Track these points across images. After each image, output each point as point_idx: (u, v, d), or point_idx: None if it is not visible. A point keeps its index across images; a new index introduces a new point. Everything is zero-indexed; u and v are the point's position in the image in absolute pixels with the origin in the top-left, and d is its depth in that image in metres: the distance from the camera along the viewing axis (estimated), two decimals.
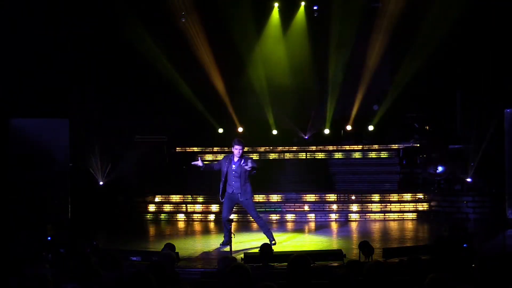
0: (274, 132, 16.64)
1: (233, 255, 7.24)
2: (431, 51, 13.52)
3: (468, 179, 12.36)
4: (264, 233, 9.08)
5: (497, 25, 12.18)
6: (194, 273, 7.21)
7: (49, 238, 8.51)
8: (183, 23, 15.31)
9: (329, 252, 7.97)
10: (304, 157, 15.44)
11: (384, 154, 14.99)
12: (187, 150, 15.84)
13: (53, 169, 11.35)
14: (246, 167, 8.76)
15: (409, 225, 11.75)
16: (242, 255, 7.56)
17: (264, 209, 12.75)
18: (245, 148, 9.12)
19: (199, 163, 8.94)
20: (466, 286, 4.26)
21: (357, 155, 15.18)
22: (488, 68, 12.51)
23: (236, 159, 8.91)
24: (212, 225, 12.37)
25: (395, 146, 14.97)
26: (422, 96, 14.67)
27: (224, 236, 9.16)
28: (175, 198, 13.73)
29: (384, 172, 14.22)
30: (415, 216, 12.42)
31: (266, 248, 7.38)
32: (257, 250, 7.49)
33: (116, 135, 14.14)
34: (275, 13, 16.52)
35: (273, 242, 8.88)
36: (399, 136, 15.30)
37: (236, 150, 8.86)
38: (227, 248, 8.51)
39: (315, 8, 16.09)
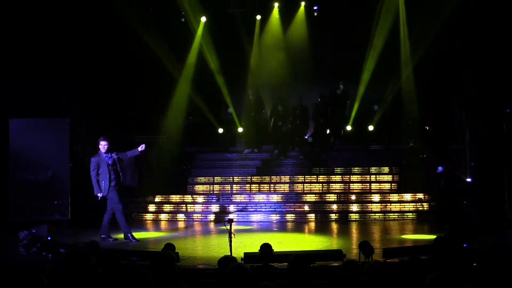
0: None
1: (233, 255, 7.23)
2: (431, 50, 13.52)
3: (468, 179, 12.35)
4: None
5: (497, 24, 12.16)
6: (194, 273, 7.20)
7: (49, 238, 8.51)
8: (183, 22, 15.32)
9: (329, 252, 7.96)
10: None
11: (384, 154, 14.94)
12: (187, 150, 15.83)
13: (53, 169, 11.37)
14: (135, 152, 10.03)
15: (409, 225, 11.74)
16: (242, 255, 7.56)
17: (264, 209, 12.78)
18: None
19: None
20: (466, 286, 4.27)
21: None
22: (488, 68, 12.49)
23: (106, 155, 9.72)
24: (212, 225, 12.37)
25: (395, 147, 14.94)
26: (422, 96, 14.64)
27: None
28: (175, 198, 13.73)
29: (383, 172, 14.18)
30: (415, 216, 12.41)
31: (266, 248, 7.36)
32: (257, 250, 7.48)
33: (116, 135, 14.09)
34: (275, 13, 16.51)
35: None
36: (399, 136, 15.25)
37: (101, 146, 9.65)
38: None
39: (315, 8, 16.08)
